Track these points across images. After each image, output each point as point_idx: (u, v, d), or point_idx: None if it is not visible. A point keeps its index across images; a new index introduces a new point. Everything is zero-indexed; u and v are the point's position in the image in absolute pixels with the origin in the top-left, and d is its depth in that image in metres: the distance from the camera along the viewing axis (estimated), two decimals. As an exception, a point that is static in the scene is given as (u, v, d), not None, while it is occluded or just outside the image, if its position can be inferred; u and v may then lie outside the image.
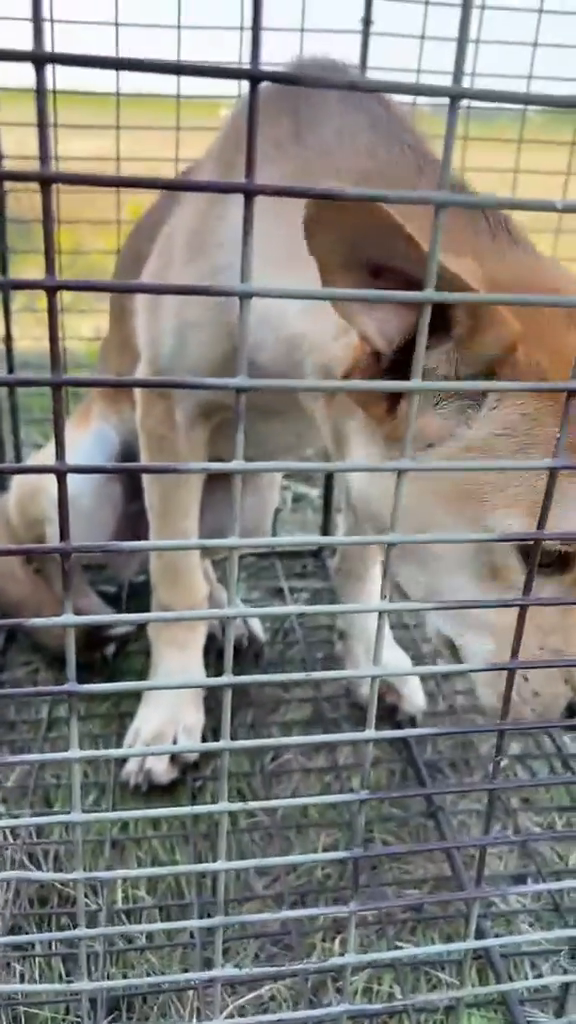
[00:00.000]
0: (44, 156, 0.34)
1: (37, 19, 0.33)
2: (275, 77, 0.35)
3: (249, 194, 0.36)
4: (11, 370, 1.39)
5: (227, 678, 0.48)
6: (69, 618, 0.45)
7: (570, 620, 0.71)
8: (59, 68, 1.26)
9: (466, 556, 0.70)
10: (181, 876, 0.91)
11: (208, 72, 0.35)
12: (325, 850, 0.96)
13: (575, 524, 0.66)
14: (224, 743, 0.49)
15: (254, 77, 0.34)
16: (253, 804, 0.53)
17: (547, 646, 0.71)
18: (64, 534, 0.43)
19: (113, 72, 1.32)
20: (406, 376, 0.64)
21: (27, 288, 0.37)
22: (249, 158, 0.36)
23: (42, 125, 0.34)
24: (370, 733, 0.51)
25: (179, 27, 1.22)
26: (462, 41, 0.35)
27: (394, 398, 0.69)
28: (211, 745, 0.50)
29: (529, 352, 0.65)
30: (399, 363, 0.66)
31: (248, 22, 1.19)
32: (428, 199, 0.37)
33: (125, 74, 1.32)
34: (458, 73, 0.36)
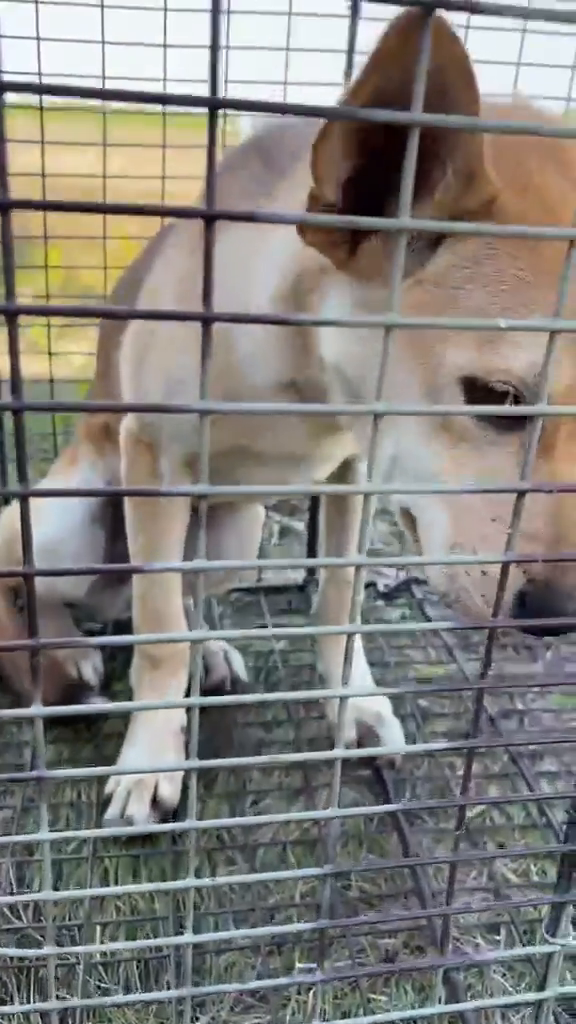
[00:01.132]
0: (9, 291, 0.36)
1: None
2: (231, 215, 0.37)
3: (207, 321, 0.38)
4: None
5: (193, 762, 0.49)
6: (38, 710, 0.46)
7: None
8: (48, 80, 1.29)
9: (414, 404, 0.68)
10: (159, 925, 0.93)
11: (168, 212, 0.37)
12: (303, 896, 0.97)
13: (525, 362, 0.62)
14: (190, 823, 0.51)
15: (209, 217, 0.36)
16: (221, 880, 0.55)
17: (501, 517, 0.64)
18: (33, 630, 0.45)
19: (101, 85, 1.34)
20: (362, 212, 0.62)
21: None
22: (206, 288, 0.37)
23: (8, 262, 0.36)
24: (332, 811, 0.53)
25: (164, 46, 1.24)
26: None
27: (355, 239, 0.68)
28: (178, 825, 0.51)
29: (509, 203, 0.63)
30: (356, 200, 0.64)
31: (230, 41, 1.22)
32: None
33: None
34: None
